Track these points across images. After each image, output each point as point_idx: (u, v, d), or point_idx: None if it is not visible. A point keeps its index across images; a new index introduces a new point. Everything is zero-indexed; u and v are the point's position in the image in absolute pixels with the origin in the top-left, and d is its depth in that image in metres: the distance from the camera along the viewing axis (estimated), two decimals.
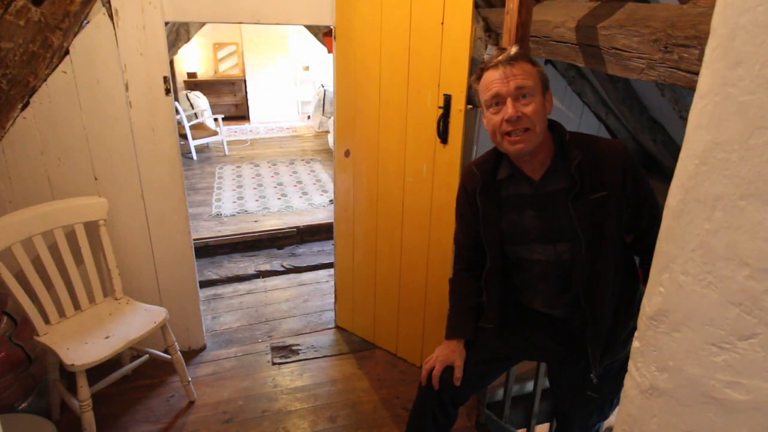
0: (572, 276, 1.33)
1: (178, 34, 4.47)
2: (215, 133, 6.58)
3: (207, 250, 3.84)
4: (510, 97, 1.21)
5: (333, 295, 3.01)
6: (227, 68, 8.87)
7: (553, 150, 1.31)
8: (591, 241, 1.27)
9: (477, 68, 1.31)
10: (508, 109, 1.21)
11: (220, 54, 8.76)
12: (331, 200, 4.76)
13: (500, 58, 1.23)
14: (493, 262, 1.43)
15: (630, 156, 1.29)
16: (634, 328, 1.44)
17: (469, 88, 1.74)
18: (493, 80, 1.23)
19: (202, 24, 4.81)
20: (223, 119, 6.76)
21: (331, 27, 2.45)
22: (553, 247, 1.34)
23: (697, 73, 1.25)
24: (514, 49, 1.25)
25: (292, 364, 2.66)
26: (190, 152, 6.25)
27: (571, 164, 1.27)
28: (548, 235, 1.33)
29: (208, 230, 4.10)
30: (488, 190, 1.39)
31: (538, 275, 1.39)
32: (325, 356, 2.72)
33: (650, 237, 1.37)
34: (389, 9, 2.13)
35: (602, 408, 1.53)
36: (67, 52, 2.07)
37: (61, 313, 2.14)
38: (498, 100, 1.23)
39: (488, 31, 2.46)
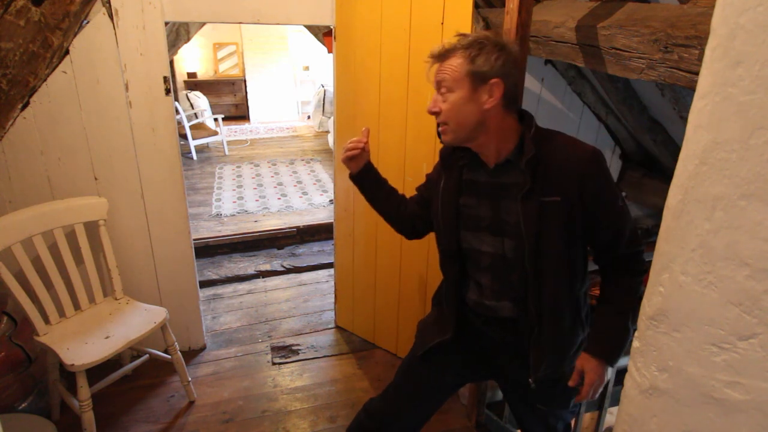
0: (516, 275, 1.29)
1: (178, 34, 4.47)
2: (215, 133, 6.58)
3: (207, 250, 3.84)
4: (436, 90, 1.23)
5: (333, 295, 3.01)
6: (227, 68, 8.87)
7: (515, 142, 1.25)
8: (535, 244, 1.23)
9: None
10: (430, 103, 1.24)
11: (220, 54, 8.76)
12: (331, 200, 4.76)
13: (435, 52, 1.23)
14: (447, 246, 1.39)
15: (595, 167, 1.20)
16: (581, 345, 1.39)
17: None
18: (429, 73, 1.26)
19: (202, 24, 4.82)
20: (223, 119, 6.77)
21: (331, 27, 2.46)
22: (500, 240, 1.30)
23: (697, 73, 1.26)
24: (447, 43, 1.22)
25: (292, 364, 2.66)
26: (190, 152, 6.25)
27: (523, 159, 1.22)
28: (497, 227, 1.30)
29: (208, 230, 4.10)
30: (450, 169, 1.39)
31: (485, 268, 1.35)
32: (325, 356, 2.72)
33: (609, 255, 1.29)
34: (389, 9, 2.13)
35: (564, 421, 1.53)
36: (67, 52, 2.08)
37: (61, 313, 2.14)
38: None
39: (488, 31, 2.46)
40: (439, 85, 1.22)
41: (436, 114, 1.24)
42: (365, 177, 1.53)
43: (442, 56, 1.21)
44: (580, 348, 1.39)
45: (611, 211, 1.24)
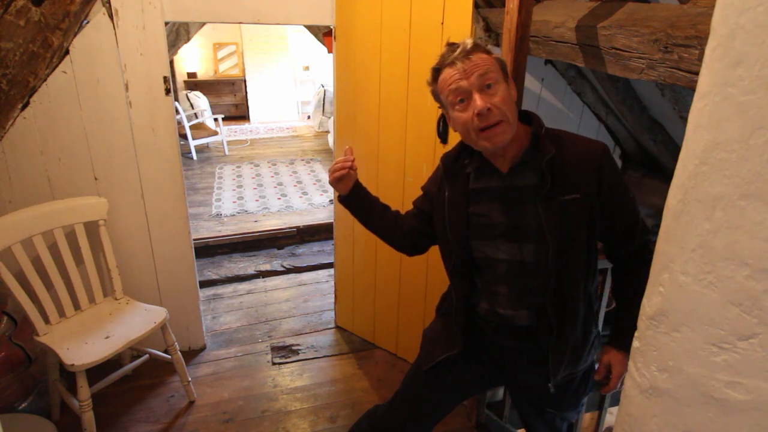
0: (536, 280, 1.26)
1: (178, 34, 4.48)
2: (215, 133, 6.59)
3: (207, 250, 3.84)
4: (475, 89, 1.13)
5: (333, 295, 3.01)
6: (227, 68, 8.87)
7: (526, 143, 1.23)
8: (559, 245, 1.20)
9: (431, 70, 1.22)
10: (477, 102, 1.12)
11: (220, 54, 8.76)
12: (331, 200, 4.76)
13: (456, 53, 1.15)
14: (458, 257, 1.35)
15: (608, 159, 1.21)
16: (595, 341, 1.39)
17: None
18: (452, 76, 1.15)
19: (202, 24, 4.82)
20: (223, 119, 6.77)
21: (331, 27, 2.46)
22: (518, 246, 1.26)
23: (697, 73, 1.26)
24: (469, 41, 1.17)
25: (292, 364, 2.66)
26: (190, 152, 6.25)
27: (543, 158, 1.18)
28: (514, 233, 1.25)
29: (208, 230, 4.10)
30: (455, 178, 1.33)
31: (502, 275, 1.30)
32: (325, 356, 2.72)
33: (622, 250, 1.29)
34: (389, 9, 2.13)
35: (568, 421, 1.53)
36: (67, 52, 2.08)
37: (61, 313, 2.14)
38: (463, 96, 1.15)
39: (488, 31, 2.46)
40: (483, 79, 1.13)
41: (489, 112, 1.12)
42: (355, 197, 1.47)
43: (468, 54, 1.15)
44: (593, 346, 1.39)
45: (626, 201, 1.24)
